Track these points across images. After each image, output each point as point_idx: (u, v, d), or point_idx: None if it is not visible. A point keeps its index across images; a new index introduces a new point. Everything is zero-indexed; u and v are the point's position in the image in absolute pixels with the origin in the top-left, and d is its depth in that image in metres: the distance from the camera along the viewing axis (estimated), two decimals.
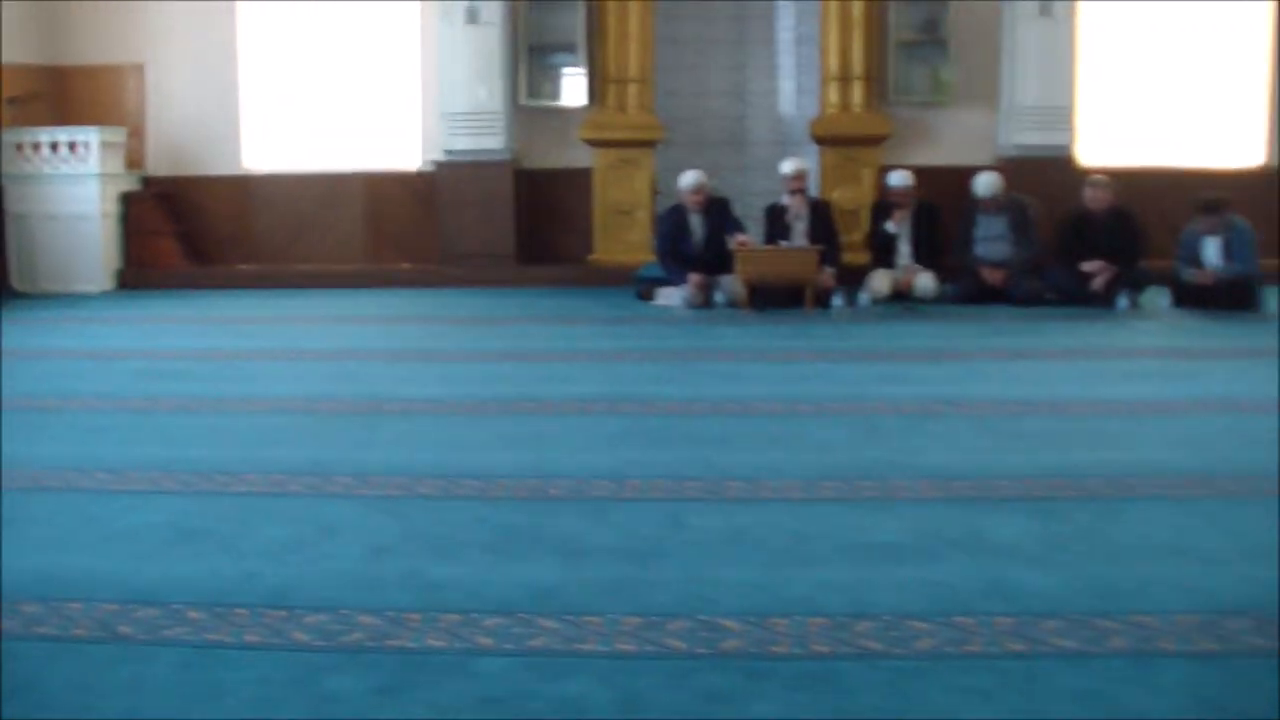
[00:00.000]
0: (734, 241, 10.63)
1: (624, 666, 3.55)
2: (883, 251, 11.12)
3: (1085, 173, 11.85)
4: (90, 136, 12.39)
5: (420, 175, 12.98)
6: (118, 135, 12.76)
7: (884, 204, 11.34)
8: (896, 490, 5.24)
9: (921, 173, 11.39)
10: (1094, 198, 10.91)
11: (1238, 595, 4.05)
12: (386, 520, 4.87)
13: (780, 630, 3.79)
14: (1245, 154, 12.92)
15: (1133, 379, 7.72)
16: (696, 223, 10.96)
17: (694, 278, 10.61)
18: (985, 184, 11.10)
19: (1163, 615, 3.89)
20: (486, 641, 3.71)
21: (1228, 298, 10.36)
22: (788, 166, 11.10)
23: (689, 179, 10.97)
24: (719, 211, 11.02)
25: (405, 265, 12.81)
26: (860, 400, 7.04)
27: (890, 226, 11.04)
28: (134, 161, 12.99)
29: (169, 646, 3.69)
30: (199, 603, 4.01)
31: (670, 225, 11.03)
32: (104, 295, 12.30)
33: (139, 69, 13.14)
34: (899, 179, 11.19)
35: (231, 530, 4.77)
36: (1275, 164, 12.79)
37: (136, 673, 3.52)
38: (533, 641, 3.71)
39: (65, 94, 13.09)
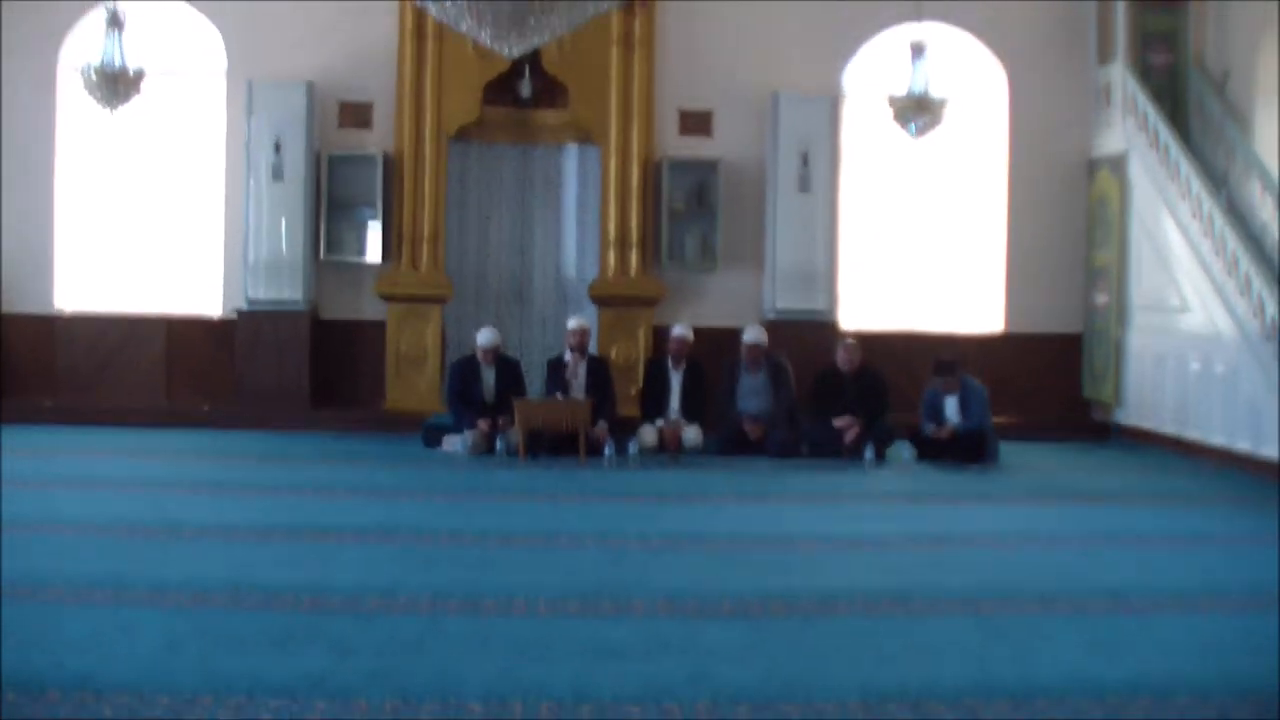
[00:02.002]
0: None
1: None
2: (654, 404, 11.99)
3: (841, 334, 12.97)
4: None
5: (221, 321, 13.55)
6: None
7: (661, 358, 12.26)
8: (631, 606, 6.05)
9: (694, 332, 12.25)
10: (845, 359, 11.95)
11: (901, 683, 4.95)
12: (180, 622, 5.53)
13: (515, 712, 4.55)
14: (987, 321, 14.20)
15: (859, 519, 8.70)
16: (487, 375, 11.72)
17: (481, 423, 11.34)
18: (752, 333, 12.07)
19: (836, 701, 4.76)
20: (267, 717, 4.41)
21: (964, 451, 11.44)
22: (573, 322, 11.94)
23: (486, 336, 11.74)
24: (509, 370, 11.83)
25: (204, 406, 13.29)
26: (611, 535, 7.87)
27: (670, 370, 11.98)
28: None
29: None
30: (11, 684, 4.63)
31: (461, 374, 11.76)
32: None
33: None
34: (680, 330, 12.14)
35: (37, 629, 5.38)
36: (1010, 331, 14.09)
37: None
38: (307, 717, 4.43)
39: None
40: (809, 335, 13.12)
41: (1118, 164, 13.46)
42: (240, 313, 13.21)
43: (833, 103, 13.66)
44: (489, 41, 6.41)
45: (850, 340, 12.22)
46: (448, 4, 6.22)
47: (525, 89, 13.27)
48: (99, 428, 12.42)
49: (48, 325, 13.56)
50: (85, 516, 7.98)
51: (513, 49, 6.39)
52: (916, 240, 14.36)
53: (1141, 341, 13.17)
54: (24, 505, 8.29)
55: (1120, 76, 13.49)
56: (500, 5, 6.12)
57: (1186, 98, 13.57)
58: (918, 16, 11.88)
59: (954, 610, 6.16)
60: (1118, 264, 13.43)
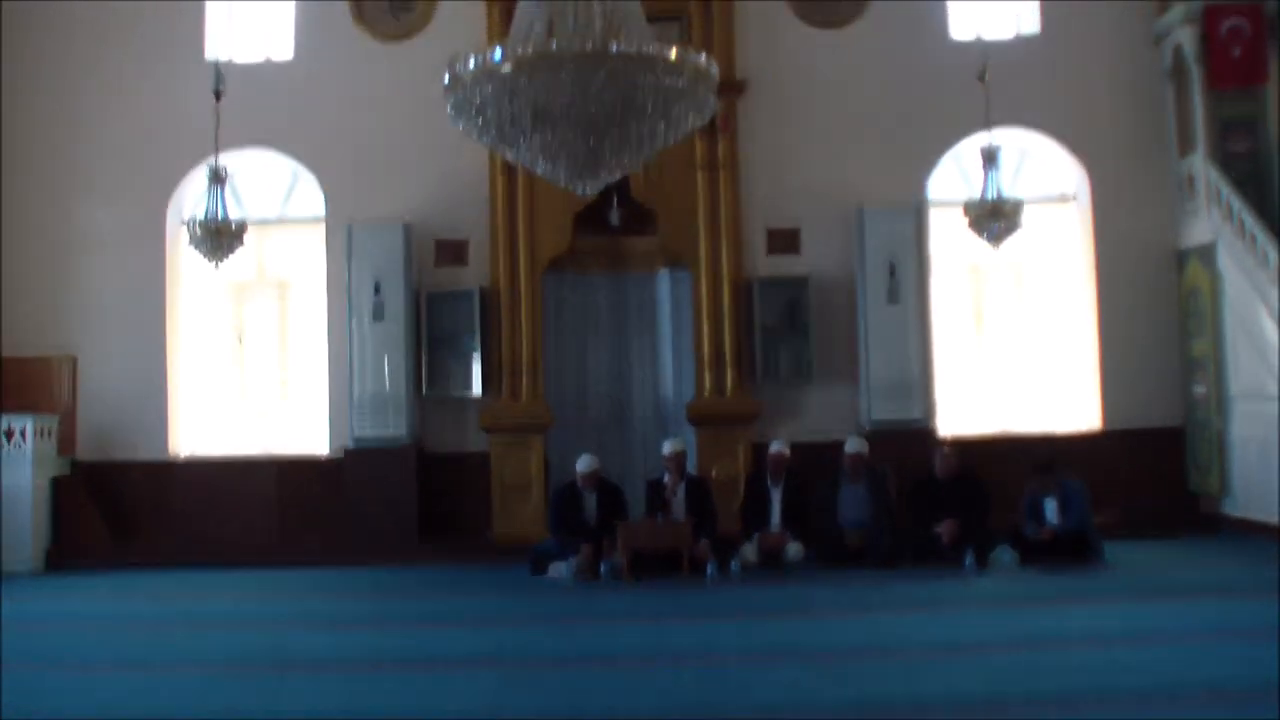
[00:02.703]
0: None
1: None
2: (755, 520, 12.08)
3: (940, 441, 13.04)
4: (26, 424, 13.22)
5: (329, 460, 13.93)
6: (50, 423, 13.58)
7: (760, 474, 12.35)
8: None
9: (791, 446, 12.36)
10: (941, 466, 12.00)
11: None
12: None
13: None
14: (1085, 419, 14.20)
15: (958, 625, 8.76)
16: (589, 501, 11.90)
17: (585, 548, 11.47)
18: (854, 444, 12.15)
19: None
20: None
21: (1067, 552, 11.40)
22: (667, 448, 12.13)
23: (584, 463, 11.93)
24: (611, 495, 12.00)
25: (316, 543, 13.58)
26: (712, 651, 8.00)
27: (770, 485, 12.07)
28: (64, 447, 13.80)
29: None
30: None
31: (563, 501, 11.95)
32: (34, 573, 12.88)
33: (71, 360, 14.10)
34: (777, 446, 12.22)
35: None
36: (1109, 427, 14.05)
37: None
38: None
39: (2, 383, 13.90)
40: (907, 444, 13.20)
41: (1206, 254, 13.47)
42: (347, 450, 13.58)
43: (917, 213, 13.89)
44: (563, 182, 6.67)
45: (946, 448, 12.26)
46: (522, 147, 6.48)
47: (615, 217, 13.57)
48: (216, 569, 12.73)
49: (165, 470, 14.07)
50: (205, 654, 8.27)
51: (587, 188, 6.65)
52: (1009, 342, 14.45)
53: (1244, 431, 13.07)
54: (147, 645, 8.68)
55: (1202, 167, 13.56)
56: (574, 148, 6.39)
57: (1271, 182, 13.59)
58: (990, 124, 12.00)
59: (1050, 711, 6.21)
60: (1214, 354, 13.38)
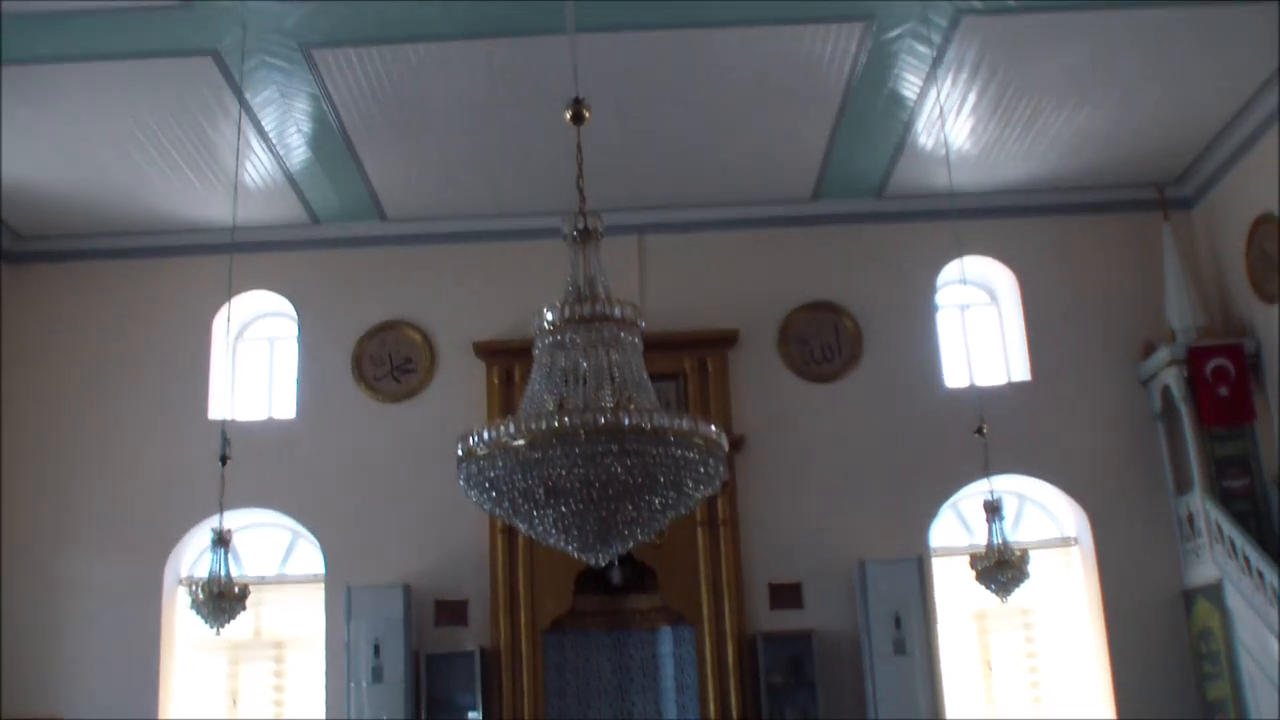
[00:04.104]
0: None
1: None
2: None
3: None
4: None
5: None
6: None
7: None
8: None
9: None
10: None
11: None
12: None
13: None
14: None
15: None
16: None
17: None
18: None
19: None
20: None
21: None
22: None
23: None
24: None
25: None
26: None
27: None
28: None
29: None
30: None
31: None
32: None
33: None
34: None
35: None
36: None
37: None
38: None
39: None
40: None
41: (1214, 593, 13.36)
42: None
43: (920, 564, 13.82)
44: (576, 554, 6.66)
45: None
46: (535, 520, 6.47)
47: (616, 577, 13.57)
48: None
49: None
50: None
51: (600, 559, 6.64)
52: (1021, 688, 14.22)
53: None
54: None
55: (1200, 505, 13.57)
56: (585, 520, 6.38)
57: (1270, 517, 13.60)
58: (988, 473, 12.04)
59: None
60: (1233, 696, 13.09)
